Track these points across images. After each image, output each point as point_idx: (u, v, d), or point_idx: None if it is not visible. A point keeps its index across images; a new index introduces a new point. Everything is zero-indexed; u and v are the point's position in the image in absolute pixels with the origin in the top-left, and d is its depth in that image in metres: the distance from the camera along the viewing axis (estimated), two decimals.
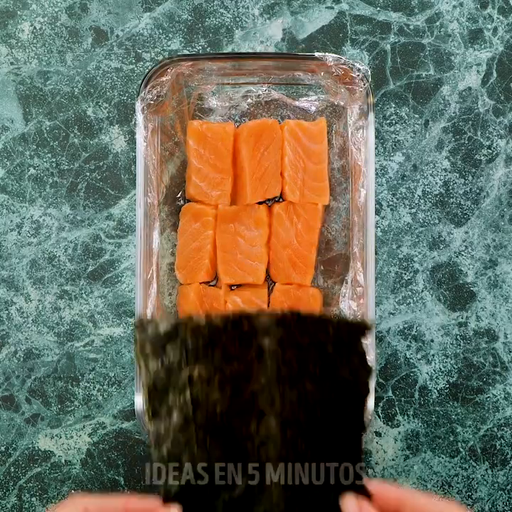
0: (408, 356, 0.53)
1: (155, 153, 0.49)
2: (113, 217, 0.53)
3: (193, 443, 0.36)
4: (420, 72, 0.53)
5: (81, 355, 0.52)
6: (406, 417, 0.52)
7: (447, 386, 0.53)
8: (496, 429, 0.52)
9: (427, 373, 0.52)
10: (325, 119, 0.51)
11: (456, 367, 0.53)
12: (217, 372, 0.36)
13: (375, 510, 0.34)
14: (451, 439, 0.52)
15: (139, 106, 0.47)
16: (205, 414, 0.36)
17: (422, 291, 0.53)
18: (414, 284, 0.53)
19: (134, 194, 0.52)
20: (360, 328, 0.37)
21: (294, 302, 0.50)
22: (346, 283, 0.48)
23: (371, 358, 0.46)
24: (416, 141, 0.53)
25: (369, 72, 0.47)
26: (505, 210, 0.53)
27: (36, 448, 0.52)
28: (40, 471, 0.52)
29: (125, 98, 0.53)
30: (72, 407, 0.52)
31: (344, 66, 0.47)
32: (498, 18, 0.53)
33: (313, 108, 0.51)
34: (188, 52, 0.53)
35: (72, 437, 0.52)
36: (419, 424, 0.52)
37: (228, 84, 0.50)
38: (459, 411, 0.52)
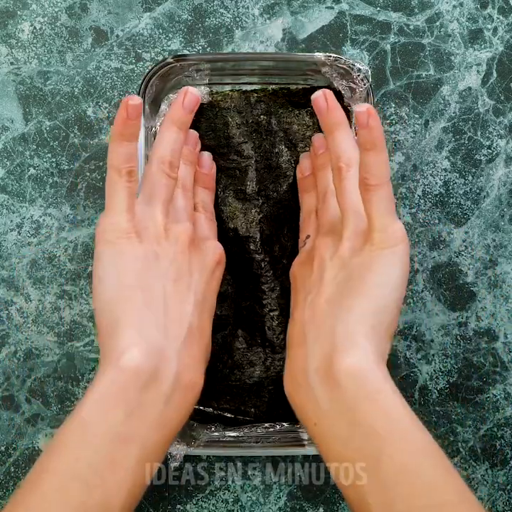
0: (408, 356, 0.53)
1: None
2: None
3: None
4: (420, 72, 0.53)
5: (81, 355, 0.52)
6: None
7: (447, 386, 0.53)
8: (496, 429, 0.52)
9: (427, 373, 0.52)
10: None
11: (456, 367, 0.53)
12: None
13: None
14: (451, 439, 0.52)
15: None
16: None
17: (422, 291, 0.53)
18: (414, 284, 0.53)
19: None
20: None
21: None
22: None
23: None
24: (416, 141, 0.53)
25: (369, 72, 0.47)
26: (505, 210, 0.53)
27: (36, 448, 0.52)
28: None
29: None
30: (72, 407, 0.52)
31: (344, 66, 0.47)
32: (498, 18, 0.53)
33: None
34: (188, 52, 0.53)
35: None
36: None
37: (228, 84, 0.50)
38: (459, 411, 0.52)
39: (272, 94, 0.50)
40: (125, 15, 0.53)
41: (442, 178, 0.53)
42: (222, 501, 0.52)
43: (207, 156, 0.49)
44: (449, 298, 0.53)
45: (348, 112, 0.48)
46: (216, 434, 0.48)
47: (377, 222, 0.39)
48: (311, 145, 0.50)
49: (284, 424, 0.49)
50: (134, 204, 0.41)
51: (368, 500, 0.32)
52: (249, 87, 0.50)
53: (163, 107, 0.49)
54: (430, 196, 0.53)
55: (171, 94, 0.49)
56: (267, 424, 0.49)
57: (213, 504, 0.52)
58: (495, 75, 0.53)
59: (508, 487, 0.52)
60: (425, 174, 0.53)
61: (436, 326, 0.53)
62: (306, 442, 0.48)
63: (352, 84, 0.47)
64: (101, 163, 0.53)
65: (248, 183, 0.50)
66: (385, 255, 0.38)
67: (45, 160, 0.53)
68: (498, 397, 0.53)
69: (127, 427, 0.35)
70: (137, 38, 0.53)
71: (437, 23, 0.53)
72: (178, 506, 0.52)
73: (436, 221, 0.53)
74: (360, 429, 0.34)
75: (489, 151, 0.53)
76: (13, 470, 0.52)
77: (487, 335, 0.53)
